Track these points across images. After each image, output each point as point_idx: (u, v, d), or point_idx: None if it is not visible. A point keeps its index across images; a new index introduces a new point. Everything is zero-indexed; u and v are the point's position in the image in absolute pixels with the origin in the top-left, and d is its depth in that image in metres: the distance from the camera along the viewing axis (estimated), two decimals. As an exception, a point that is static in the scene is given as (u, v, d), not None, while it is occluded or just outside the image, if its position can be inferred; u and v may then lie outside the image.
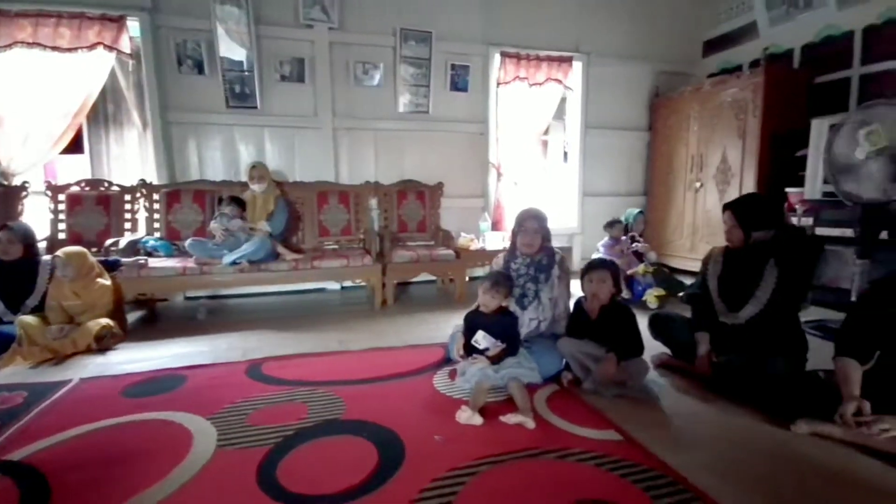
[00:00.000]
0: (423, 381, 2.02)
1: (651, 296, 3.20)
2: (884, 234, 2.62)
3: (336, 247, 3.67)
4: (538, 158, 4.73)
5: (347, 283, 3.97)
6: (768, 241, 1.88)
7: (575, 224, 4.63)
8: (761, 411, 1.71)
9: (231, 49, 3.48)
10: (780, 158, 3.49)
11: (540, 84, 4.18)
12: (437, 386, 1.97)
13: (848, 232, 2.75)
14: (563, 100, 4.52)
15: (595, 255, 3.32)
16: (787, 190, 3.31)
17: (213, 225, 3.13)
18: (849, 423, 1.41)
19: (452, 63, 4.05)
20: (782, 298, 1.84)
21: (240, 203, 3.20)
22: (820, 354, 1.84)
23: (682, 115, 4.27)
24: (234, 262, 2.91)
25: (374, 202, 3.86)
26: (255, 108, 3.61)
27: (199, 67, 3.49)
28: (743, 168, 3.69)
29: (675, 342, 2.17)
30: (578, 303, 2.09)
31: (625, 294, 3.33)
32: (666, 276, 3.49)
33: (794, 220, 3.15)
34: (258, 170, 3.24)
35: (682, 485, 1.27)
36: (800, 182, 3.22)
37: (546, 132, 4.72)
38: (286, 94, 3.69)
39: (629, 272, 3.39)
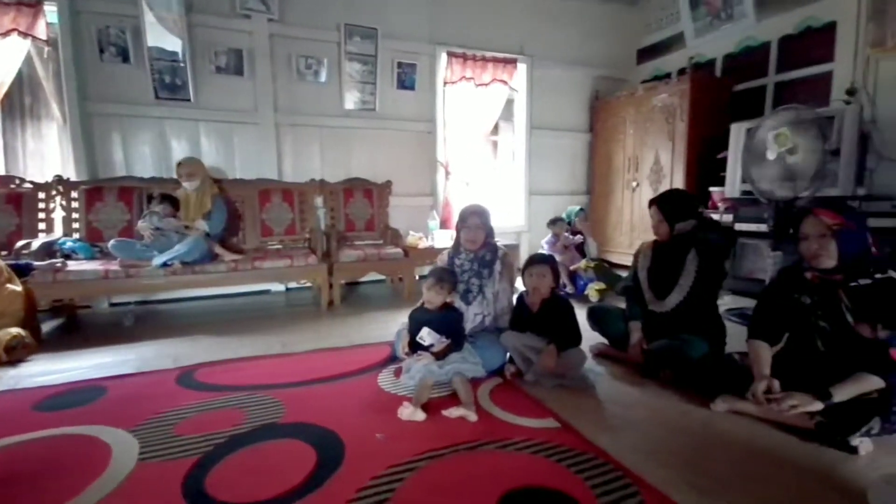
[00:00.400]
0: (367, 381, 1.99)
1: (592, 290, 3.34)
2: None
3: (280, 247, 3.55)
4: (488, 158, 4.81)
5: (293, 285, 3.85)
6: (690, 231, 2.03)
7: (522, 222, 4.74)
8: (686, 392, 1.83)
9: (161, 37, 3.26)
10: (706, 160, 3.76)
11: (486, 84, 4.24)
12: (381, 384, 1.95)
13: (763, 227, 3.00)
14: (511, 101, 4.62)
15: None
16: (711, 189, 3.57)
17: (142, 224, 2.92)
18: (759, 401, 1.53)
19: (399, 61, 4.03)
20: (703, 285, 1.99)
21: (172, 201, 3.01)
22: (740, 339, 1.98)
23: (619, 119, 4.49)
24: (164, 264, 2.73)
25: (319, 200, 3.76)
26: (188, 100, 3.41)
27: (124, 55, 3.25)
28: (673, 169, 3.93)
29: (612, 332, 2.28)
30: (520, 297, 2.14)
31: (568, 289, 3.46)
32: (606, 271, 3.65)
33: (717, 217, 3.40)
34: (186, 166, 3.05)
35: (612, 465, 1.33)
36: (722, 182, 3.48)
37: (496, 133, 4.80)
38: (223, 87, 3.51)
39: (572, 268, 3.52)
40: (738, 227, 3.31)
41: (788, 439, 1.51)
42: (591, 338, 2.35)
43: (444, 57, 4.14)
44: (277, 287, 3.81)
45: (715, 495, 1.23)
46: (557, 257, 3.45)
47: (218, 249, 2.98)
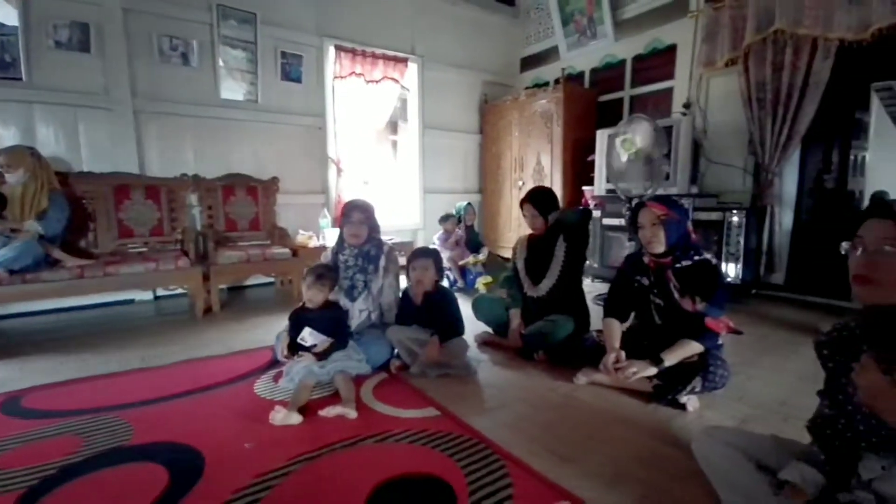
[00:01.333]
0: (242, 389, 1.85)
1: (481, 283, 3.50)
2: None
3: (144, 249, 3.15)
4: (388, 157, 4.77)
5: (163, 292, 3.45)
6: (557, 220, 2.23)
7: (418, 219, 4.80)
8: (556, 370, 2.01)
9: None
10: (579, 161, 4.16)
11: (377, 82, 4.21)
12: (258, 391, 1.83)
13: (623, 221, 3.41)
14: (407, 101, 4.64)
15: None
16: (584, 188, 3.96)
17: (-49, 226, 2.39)
18: (609, 370, 1.74)
19: (283, 51, 3.82)
20: (570, 268, 2.21)
21: (-5, 198, 2.51)
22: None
23: (506, 121, 4.77)
24: (-18, 273, 2.26)
25: (193, 198, 3.41)
26: (20, 79, 2.87)
27: (-80, 19, 2.62)
28: (552, 169, 4.29)
29: (494, 321, 2.41)
30: (405, 291, 2.16)
31: (459, 283, 3.59)
32: (498, 264, 3.86)
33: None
34: (6, 156, 2.55)
35: (483, 444, 1.41)
36: (592, 181, 3.88)
37: (395, 132, 4.79)
38: (64, 65, 3.00)
39: (461, 263, 3.65)
40: (605, 221, 3.72)
41: (634, 402, 1.73)
42: (477, 328, 2.46)
43: (332, 50, 4.02)
44: (144, 295, 3.38)
45: (571, 459, 1.36)
46: (448, 253, 3.56)
47: (57, 254, 2.55)
